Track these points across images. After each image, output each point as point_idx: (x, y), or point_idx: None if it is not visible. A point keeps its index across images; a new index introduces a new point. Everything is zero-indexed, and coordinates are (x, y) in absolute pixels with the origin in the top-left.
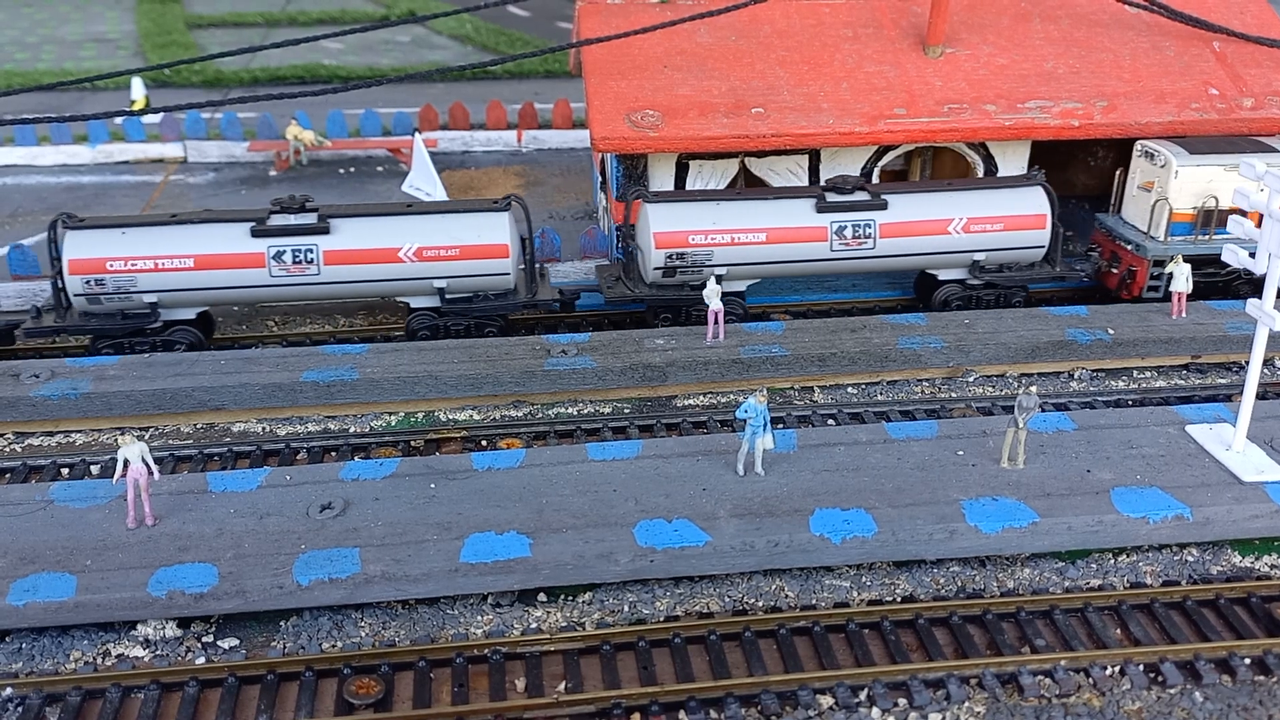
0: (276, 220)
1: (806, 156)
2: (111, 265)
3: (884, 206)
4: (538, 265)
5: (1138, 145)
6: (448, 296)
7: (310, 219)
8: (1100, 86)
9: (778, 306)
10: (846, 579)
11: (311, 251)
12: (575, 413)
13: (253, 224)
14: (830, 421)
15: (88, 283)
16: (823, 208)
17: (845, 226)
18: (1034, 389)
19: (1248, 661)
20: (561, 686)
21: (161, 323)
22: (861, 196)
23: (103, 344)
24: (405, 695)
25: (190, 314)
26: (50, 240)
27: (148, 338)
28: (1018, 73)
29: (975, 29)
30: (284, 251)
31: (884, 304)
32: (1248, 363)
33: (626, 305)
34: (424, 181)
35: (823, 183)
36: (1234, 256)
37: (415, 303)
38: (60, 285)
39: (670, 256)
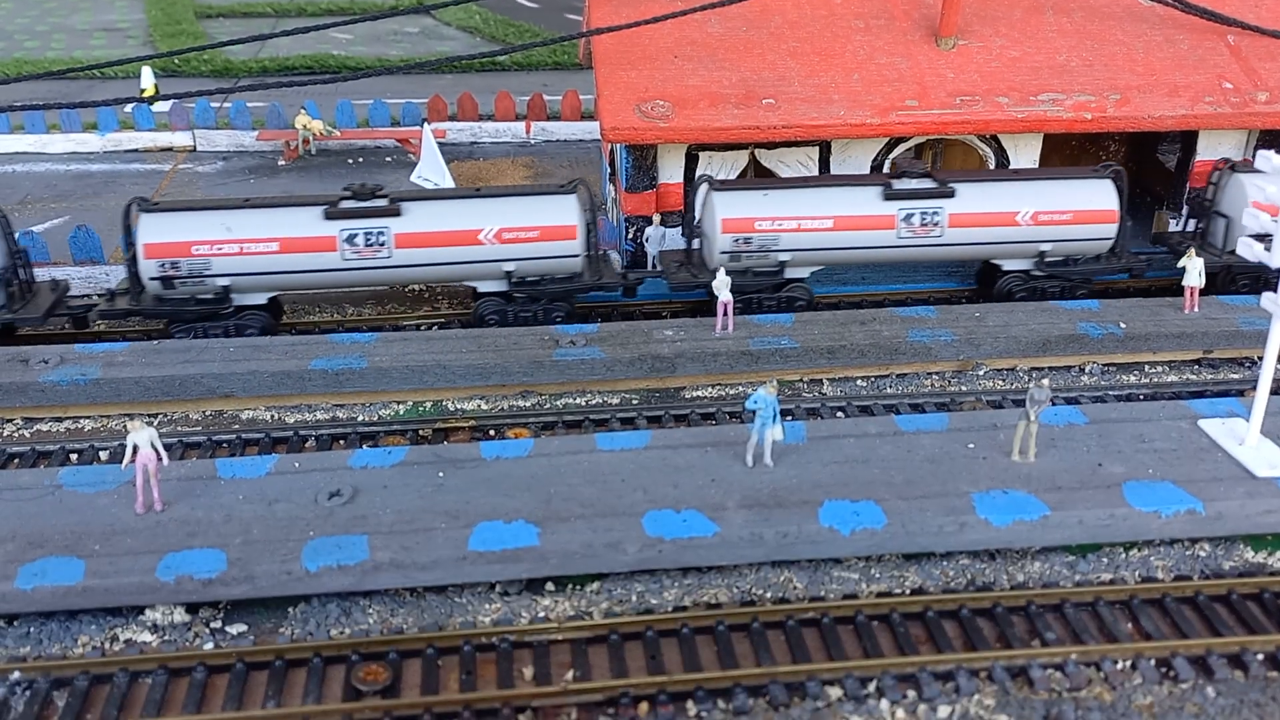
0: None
1: (817, 148)
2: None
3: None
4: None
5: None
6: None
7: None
8: (1113, 80)
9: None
10: (855, 571)
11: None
12: (583, 403)
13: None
14: (839, 414)
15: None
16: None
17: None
18: (1045, 382)
19: (1260, 657)
20: (569, 675)
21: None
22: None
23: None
24: (413, 682)
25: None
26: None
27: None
28: (1030, 65)
29: (988, 21)
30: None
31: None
32: (1261, 358)
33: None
34: (432, 172)
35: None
36: (1249, 251)
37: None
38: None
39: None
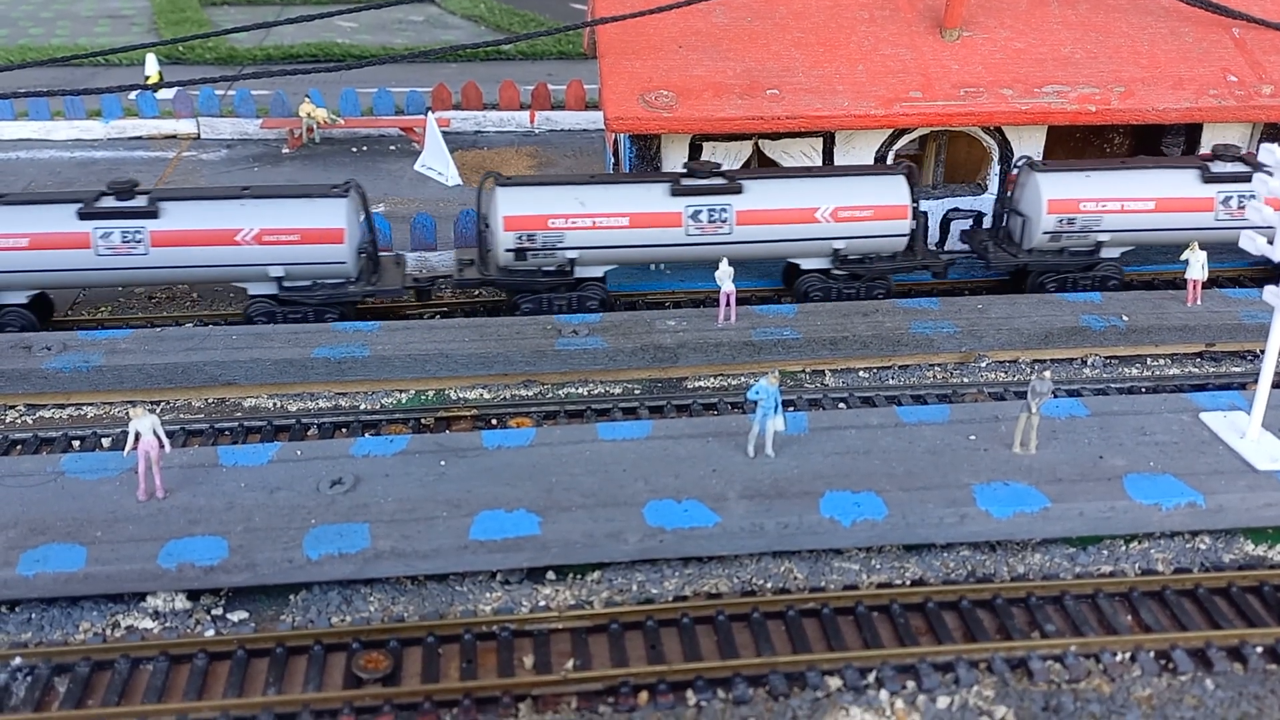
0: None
1: (821, 139)
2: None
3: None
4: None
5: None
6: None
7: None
8: (1118, 72)
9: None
10: (856, 562)
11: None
12: (585, 393)
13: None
14: (841, 405)
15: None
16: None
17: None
18: (1047, 374)
19: (1260, 650)
20: (569, 664)
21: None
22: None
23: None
24: (414, 670)
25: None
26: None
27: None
28: (1035, 57)
29: (992, 12)
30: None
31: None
32: (1263, 351)
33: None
34: (436, 161)
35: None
36: (1251, 244)
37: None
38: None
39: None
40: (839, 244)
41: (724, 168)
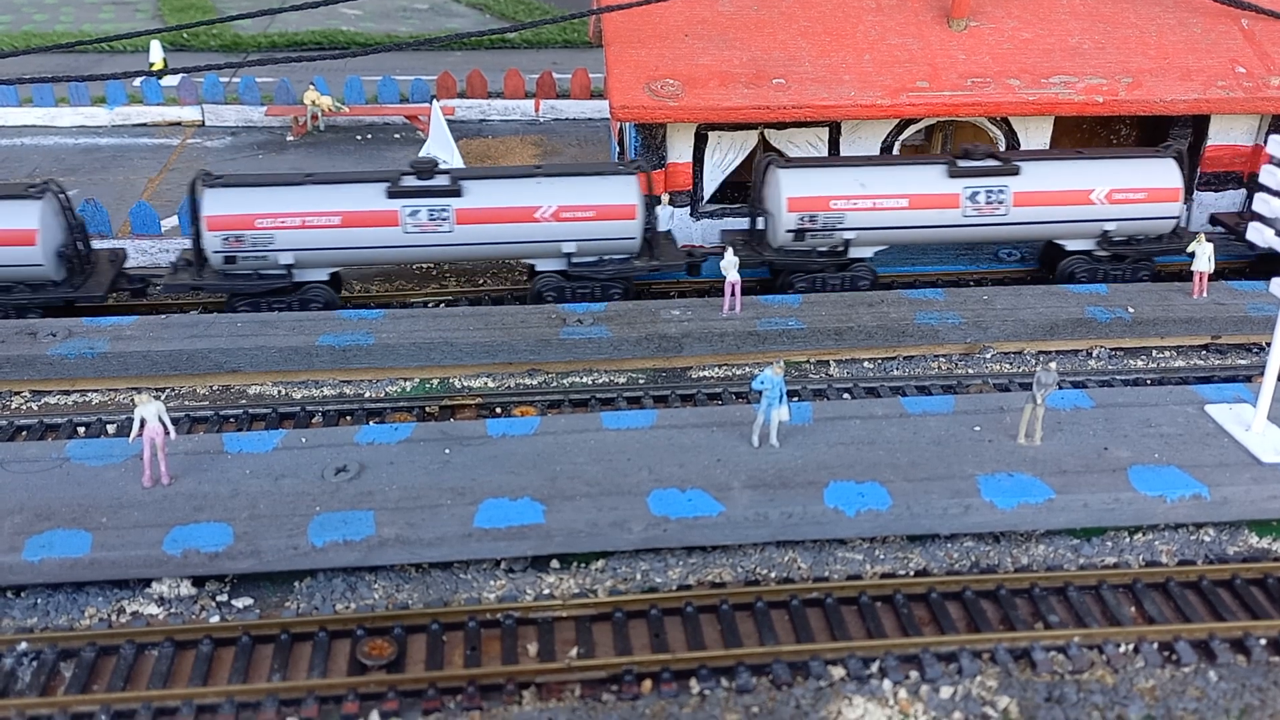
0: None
1: (827, 129)
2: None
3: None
4: None
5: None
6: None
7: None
8: (1125, 63)
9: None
10: (860, 552)
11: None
12: (590, 382)
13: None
14: (846, 395)
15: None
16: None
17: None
18: (1052, 365)
19: (1263, 642)
20: (573, 652)
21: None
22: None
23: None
24: (418, 657)
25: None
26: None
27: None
28: (1042, 47)
29: (999, 2)
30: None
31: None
32: (1269, 344)
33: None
34: (441, 149)
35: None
36: (1260, 236)
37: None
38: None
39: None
40: (1110, 225)
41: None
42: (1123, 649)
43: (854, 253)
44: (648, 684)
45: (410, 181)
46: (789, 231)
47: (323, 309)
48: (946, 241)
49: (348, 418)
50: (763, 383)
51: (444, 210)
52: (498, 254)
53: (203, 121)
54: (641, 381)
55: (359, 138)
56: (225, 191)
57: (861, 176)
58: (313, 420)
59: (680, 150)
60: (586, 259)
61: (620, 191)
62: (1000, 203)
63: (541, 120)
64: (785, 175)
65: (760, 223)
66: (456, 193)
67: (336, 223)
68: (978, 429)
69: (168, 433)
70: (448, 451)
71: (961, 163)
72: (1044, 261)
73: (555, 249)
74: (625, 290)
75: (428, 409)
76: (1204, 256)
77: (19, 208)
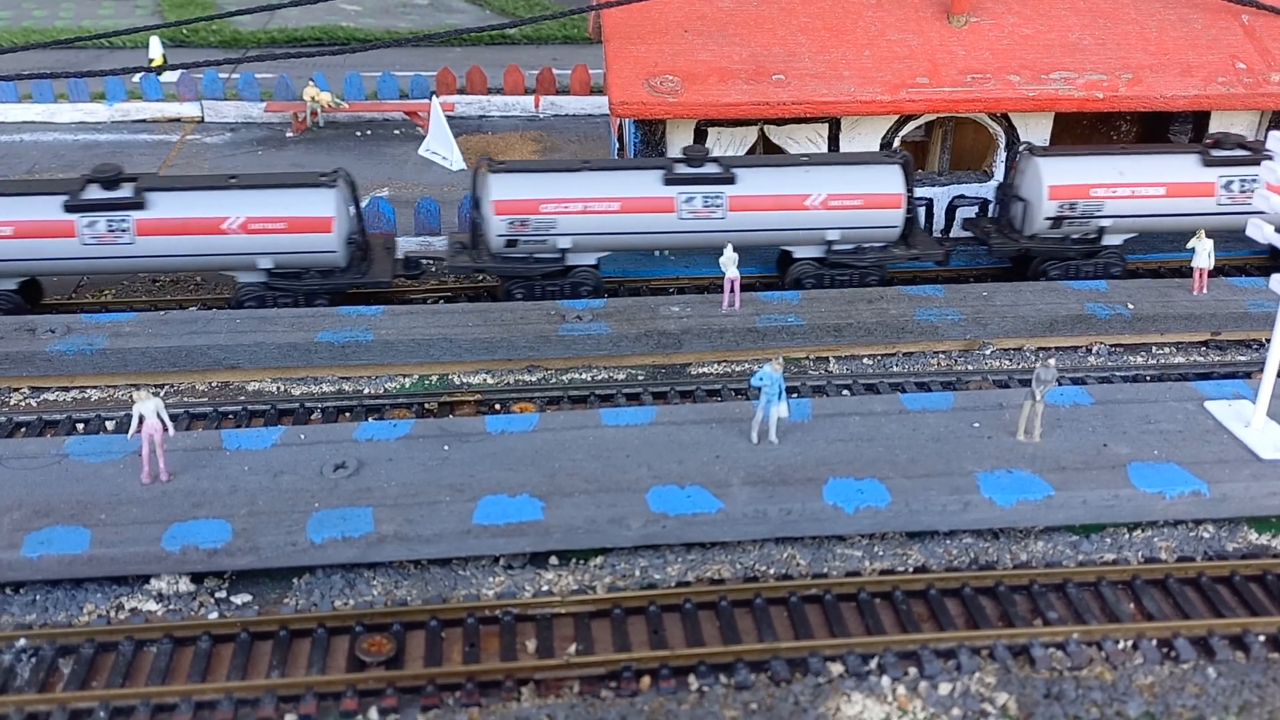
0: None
1: (827, 125)
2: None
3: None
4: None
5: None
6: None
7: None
8: (1125, 59)
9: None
10: (859, 548)
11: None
12: (589, 378)
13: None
14: (845, 392)
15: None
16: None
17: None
18: (1052, 362)
19: (1262, 639)
20: (572, 648)
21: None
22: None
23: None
24: (416, 654)
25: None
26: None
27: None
28: (1042, 43)
29: None
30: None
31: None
32: (1269, 340)
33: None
34: (440, 145)
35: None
36: (1259, 232)
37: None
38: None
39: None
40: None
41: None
42: (1122, 646)
43: (1106, 240)
44: (646, 680)
45: (684, 169)
46: (1047, 219)
47: (591, 293)
48: (1196, 229)
49: (347, 414)
50: (762, 379)
51: (718, 197)
52: (766, 241)
53: (202, 118)
54: (641, 378)
55: (358, 134)
56: (510, 177)
57: (1120, 165)
58: (311, 417)
59: (679, 147)
60: (846, 247)
61: (887, 181)
62: (1250, 192)
63: (541, 116)
64: (1046, 163)
65: (1017, 210)
66: (730, 180)
67: (615, 208)
68: (977, 425)
69: (166, 429)
70: (446, 448)
71: (1215, 152)
72: None
73: (820, 236)
74: (880, 278)
75: (427, 405)
76: (1204, 253)
77: (317, 195)
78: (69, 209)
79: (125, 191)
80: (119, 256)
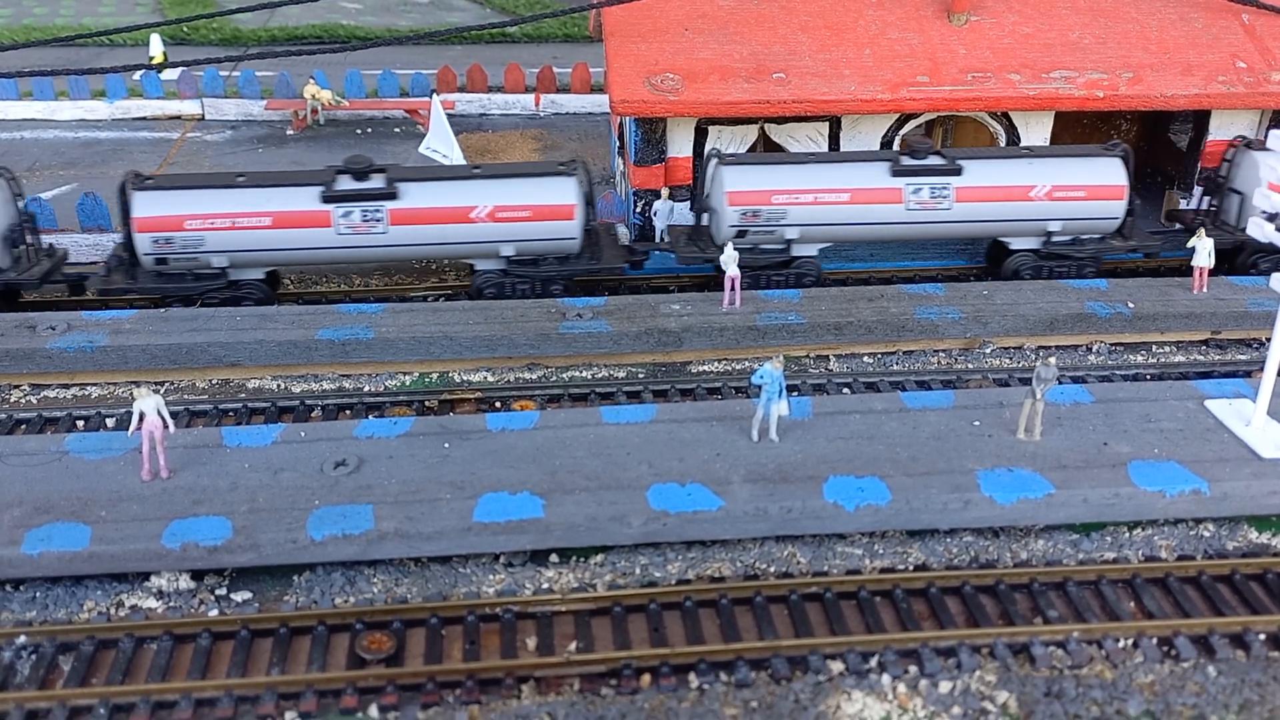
0: None
1: (827, 124)
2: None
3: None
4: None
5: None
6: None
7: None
8: (1126, 58)
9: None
10: (859, 546)
11: None
12: (589, 376)
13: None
14: (845, 390)
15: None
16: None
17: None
18: (1052, 360)
19: (1262, 637)
20: (572, 646)
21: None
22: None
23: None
24: (417, 652)
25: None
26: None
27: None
28: (1043, 42)
29: None
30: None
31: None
32: (1269, 339)
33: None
34: (441, 143)
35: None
36: (1260, 231)
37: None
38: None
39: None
40: None
41: None
42: (1122, 644)
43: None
44: (647, 678)
45: (909, 161)
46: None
47: (814, 283)
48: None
49: (347, 412)
50: (762, 377)
51: (945, 188)
52: (990, 232)
53: (202, 115)
54: (641, 376)
55: (359, 132)
56: (743, 168)
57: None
58: (312, 414)
59: (680, 145)
60: (1064, 238)
61: (1109, 173)
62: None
63: (542, 114)
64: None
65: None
66: (957, 171)
67: (845, 199)
68: (977, 424)
69: (167, 426)
70: (447, 445)
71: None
72: None
73: (1042, 228)
74: (1096, 271)
75: (427, 403)
76: (1204, 251)
77: (560, 184)
78: (326, 199)
79: (378, 182)
80: (371, 246)
